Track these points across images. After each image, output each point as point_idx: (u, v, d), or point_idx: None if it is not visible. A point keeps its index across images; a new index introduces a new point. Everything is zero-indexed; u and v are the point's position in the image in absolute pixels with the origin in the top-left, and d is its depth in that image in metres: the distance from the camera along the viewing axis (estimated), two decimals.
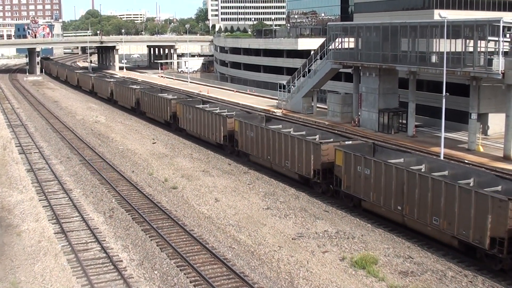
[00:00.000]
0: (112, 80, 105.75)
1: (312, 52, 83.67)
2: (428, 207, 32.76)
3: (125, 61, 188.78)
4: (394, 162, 37.02)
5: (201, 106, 64.83)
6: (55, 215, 38.49)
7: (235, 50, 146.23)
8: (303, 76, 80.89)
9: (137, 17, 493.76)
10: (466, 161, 50.02)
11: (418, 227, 34.15)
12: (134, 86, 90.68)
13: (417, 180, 33.63)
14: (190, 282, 28.50)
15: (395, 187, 35.16)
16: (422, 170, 36.07)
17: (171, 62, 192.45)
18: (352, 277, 29.05)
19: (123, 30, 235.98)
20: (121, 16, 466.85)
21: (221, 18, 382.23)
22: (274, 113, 78.24)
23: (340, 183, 40.08)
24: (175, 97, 75.45)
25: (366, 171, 37.47)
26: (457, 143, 58.78)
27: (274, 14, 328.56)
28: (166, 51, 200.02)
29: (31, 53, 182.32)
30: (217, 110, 61.98)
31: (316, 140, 44.85)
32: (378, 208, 37.17)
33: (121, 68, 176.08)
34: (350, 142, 43.79)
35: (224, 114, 57.50)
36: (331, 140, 44.70)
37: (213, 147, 59.20)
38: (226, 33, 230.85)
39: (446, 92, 47.86)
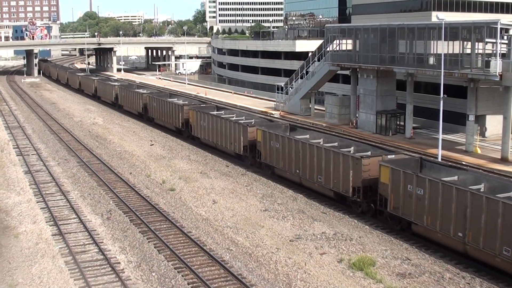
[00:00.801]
0: (117, 84, 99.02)
1: (310, 54, 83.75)
2: (498, 236, 28.49)
3: (123, 62, 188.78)
4: (449, 180, 33.13)
5: (215, 112, 60.46)
6: (52, 217, 38.45)
7: (233, 52, 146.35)
8: (301, 78, 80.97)
9: (135, 19, 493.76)
10: (463, 163, 50.07)
11: (484, 258, 29.86)
12: (141, 91, 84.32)
13: (484, 203, 29.21)
14: (188, 284, 28.48)
15: (455, 211, 30.79)
16: (481, 190, 32.15)
17: (169, 64, 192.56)
18: (349, 279, 29.04)
19: (121, 32, 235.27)
20: (119, 18, 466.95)
21: (219, 20, 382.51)
22: (272, 115, 78.24)
23: (386, 203, 35.53)
24: (186, 102, 70.43)
25: (418, 191, 33.06)
26: (454, 144, 58.84)
27: (272, 16, 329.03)
28: (164, 53, 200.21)
29: (28, 54, 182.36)
30: (233, 117, 58.15)
31: (352, 152, 41.20)
32: (433, 234, 32.79)
33: (118, 70, 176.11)
34: (393, 156, 39.01)
35: (244, 122, 54.07)
36: (369, 153, 40.76)
37: (211, 148, 59.14)
38: (224, 35, 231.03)
39: (443, 94, 47.97)
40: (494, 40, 52.45)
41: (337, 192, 40.35)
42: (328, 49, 74.16)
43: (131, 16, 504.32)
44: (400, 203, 34.72)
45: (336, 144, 44.40)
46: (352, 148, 43.17)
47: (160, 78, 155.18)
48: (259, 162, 50.26)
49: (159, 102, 72.75)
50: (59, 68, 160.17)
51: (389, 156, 38.86)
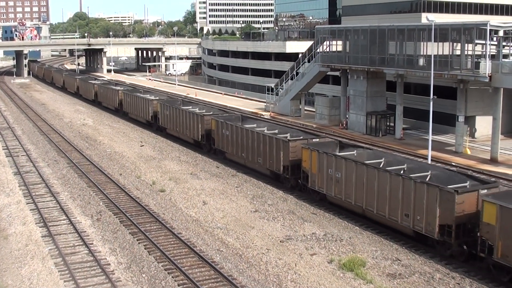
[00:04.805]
0: (154, 98, 74.34)
1: (300, 55, 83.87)
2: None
3: (113, 63, 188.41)
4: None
5: (340, 153, 40.61)
6: (42, 218, 38.32)
7: (223, 53, 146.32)
8: (291, 79, 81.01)
9: (125, 20, 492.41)
10: (453, 164, 50.23)
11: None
12: (199, 110, 62.68)
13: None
14: (178, 285, 28.45)
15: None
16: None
17: (159, 65, 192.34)
18: (340, 279, 29.08)
19: (111, 33, 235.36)
20: (109, 19, 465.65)
21: (209, 21, 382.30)
22: (262, 116, 78.24)
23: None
24: (277, 131, 50.20)
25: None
26: (444, 145, 59.03)
27: (262, 17, 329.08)
28: (154, 53, 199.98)
29: (18, 55, 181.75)
30: (383, 163, 38.57)
31: None
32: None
33: (109, 71, 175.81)
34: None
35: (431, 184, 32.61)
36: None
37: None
38: (214, 36, 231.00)
39: (433, 95, 48.11)
40: (483, 42, 52.67)
41: None
42: (318, 50, 74.29)
43: (121, 17, 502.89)
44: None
45: None
46: None
47: (150, 79, 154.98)
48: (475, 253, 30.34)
49: (234, 129, 51.46)
50: (68, 75, 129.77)
51: None
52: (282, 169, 44.70)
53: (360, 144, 50.06)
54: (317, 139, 45.39)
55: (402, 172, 35.88)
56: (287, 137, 46.49)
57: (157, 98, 74.96)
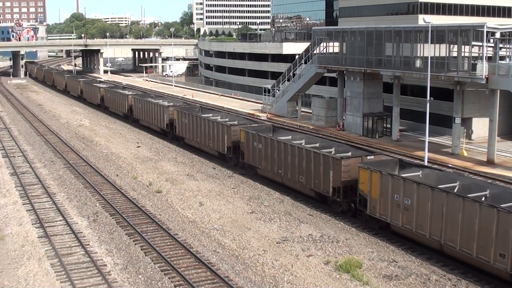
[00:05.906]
0: (170, 104, 67.89)
1: (296, 57, 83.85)
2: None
3: (110, 64, 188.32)
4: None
5: (405, 175, 34.78)
6: (38, 219, 38.26)
7: (220, 54, 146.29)
8: (288, 80, 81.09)
9: (122, 21, 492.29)
10: (449, 165, 50.29)
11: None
12: (226, 120, 56.99)
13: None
14: (175, 286, 28.43)
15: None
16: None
17: (156, 66, 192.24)
18: (336, 281, 29.08)
19: (107, 34, 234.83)
20: (106, 20, 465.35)
21: (206, 22, 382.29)
22: (258, 117, 78.23)
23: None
24: (331, 148, 42.91)
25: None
26: (441, 147, 59.09)
27: (259, 18, 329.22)
28: (151, 54, 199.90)
29: (15, 56, 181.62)
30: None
31: None
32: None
33: (105, 72, 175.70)
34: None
35: None
36: None
37: (198, 150, 59.01)
38: (211, 37, 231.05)
39: (430, 96, 48.14)
40: (480, 43, 52.76)
41: None
42: (315, 51, 74.32)
43: (118, 18, 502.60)
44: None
45: None
46: None
47: (147, 80, 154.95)
48: None
49: (269, 143, 45.64)
50: (70, 78, 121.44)
51: None
52: (331, 191, 38.65)
53: (424, 163, 44.37)
54: (372, 156, 38.99)
55: (483, 199, 30.56)
56: (332, 151, 41.17)
57: (173, 104, 69.16)
